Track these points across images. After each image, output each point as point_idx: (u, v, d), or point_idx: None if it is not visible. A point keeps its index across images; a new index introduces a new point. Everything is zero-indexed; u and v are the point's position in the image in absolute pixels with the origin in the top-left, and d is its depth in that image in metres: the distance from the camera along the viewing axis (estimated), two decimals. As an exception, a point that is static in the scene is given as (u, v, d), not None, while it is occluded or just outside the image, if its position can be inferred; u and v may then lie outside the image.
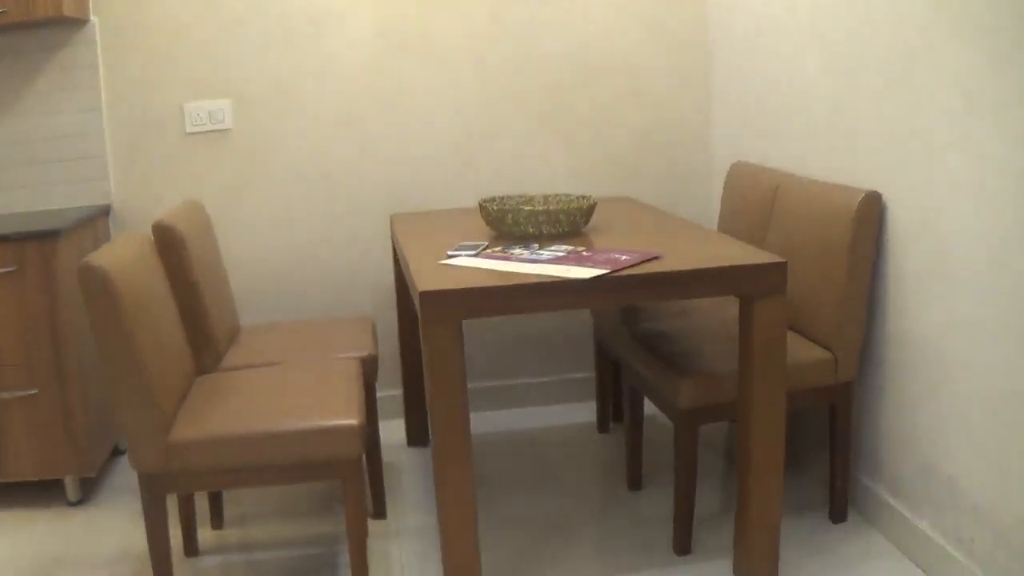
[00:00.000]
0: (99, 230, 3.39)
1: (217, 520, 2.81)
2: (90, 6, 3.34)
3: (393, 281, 3.45)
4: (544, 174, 3.55)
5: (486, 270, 2.24)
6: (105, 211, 3.41)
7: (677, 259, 2.25)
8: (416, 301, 2.13)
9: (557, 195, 2.89)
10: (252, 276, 3.48)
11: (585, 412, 3.58)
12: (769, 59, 3.06)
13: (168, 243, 2.60)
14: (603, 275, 2.12)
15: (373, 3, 3.38)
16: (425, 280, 2.16)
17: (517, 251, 2.41)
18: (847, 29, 2.57)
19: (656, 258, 2.26)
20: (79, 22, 3.32)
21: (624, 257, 2.26)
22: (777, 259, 2.21)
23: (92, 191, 3.43)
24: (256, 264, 3.48)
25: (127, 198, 3.43)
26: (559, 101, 3.51)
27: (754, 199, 2.99)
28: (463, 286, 2.09)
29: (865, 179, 2.52)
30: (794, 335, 2.63)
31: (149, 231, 2.58)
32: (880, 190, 2.44)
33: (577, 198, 2.79)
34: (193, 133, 3.41)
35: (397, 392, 3.51)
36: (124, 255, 2.23)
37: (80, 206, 3.39)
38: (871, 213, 2.43)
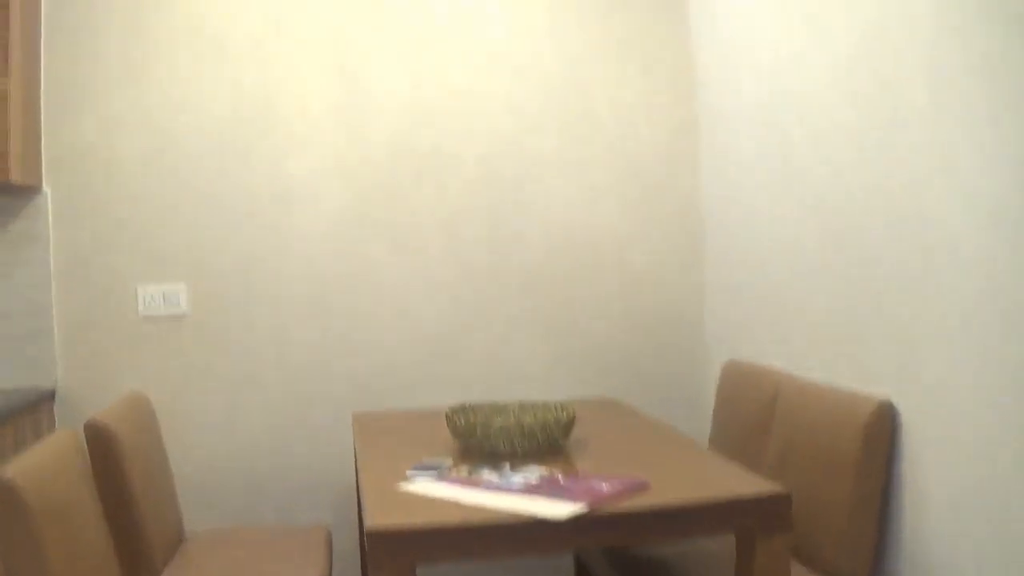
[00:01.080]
0: (42, 417, 3.11)
1: None
2: (43, 175, 3.15)
3: (355, 482, 3.14)
4: (522, 369, 3.29)
5: (447, 501, 1.95)
6: (50, 396, 3.13)
7: (666, 487, 1.98)
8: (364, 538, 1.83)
9: (534, 404, 2.63)
10: (202, 476, 3.17)
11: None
12: (767, 246, 2.87)
13: (101, 446, 2.38)
14: (581, 514, 1.84)
15: (343, 182, 3.21)
16: (377, 512, 1.88)
17: (485, 474, 2.12)
18: (854, 217, 2.37)
19: (642, 486, 1.98)
20: (31, 191, 3.13)
21: (606, 486, 1.98)
22: (781, 490, 1.93)
23: (37, 373, 3.17)
24: (207, 463, 3.17)
25: (74, 384, 3.16)
26: (539, 289, 3.30)
27: (751, 404, 2.74)
28: (418, 524, 1.81)
29: (875, 384, 2.27)
30: (795, 564, 2.32)
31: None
32: (892, 399, 2.18)
33: (556, 408, 2.54)
34: (147, 317, 3.17)
35: (357, 606, 3.15)
36: (45, 462, 2.00)
37: (24, 387, 3.12)
38: (883, 425, 2.17)
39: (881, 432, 2.17)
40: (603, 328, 3.33)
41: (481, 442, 2.31)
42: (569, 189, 3.31)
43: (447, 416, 2.40)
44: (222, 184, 3.19)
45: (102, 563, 2.14)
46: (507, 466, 2.19)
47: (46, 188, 3.17)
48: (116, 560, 2.27)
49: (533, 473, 2.12)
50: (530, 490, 1.99)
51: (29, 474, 1.88)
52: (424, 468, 2.19)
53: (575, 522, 1.83)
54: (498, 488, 2.01)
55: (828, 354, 2.53)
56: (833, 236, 2.48)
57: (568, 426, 2.36)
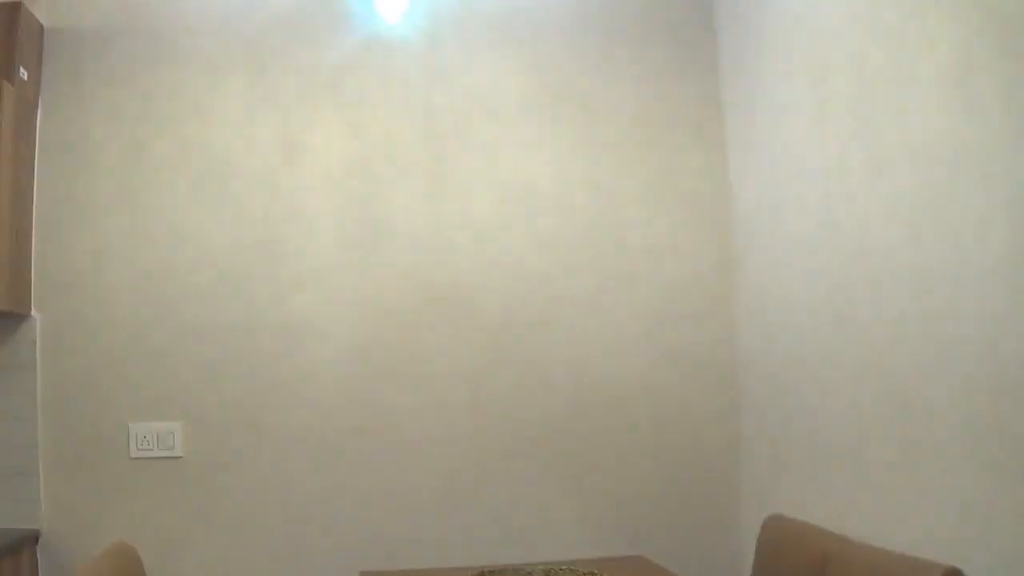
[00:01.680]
0: (23, 561, 2.87)
1: None
2: (32, 300, 2.91)
3: (359, 653, 2.88)
4: (546, 525, 3.00)
5: None
6: (33, 538, 2.89)
7: None
8: None
9: (560, 567, 2.43)
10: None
11: None
12: (813, 395, 2.56)
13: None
14: None
15: (354, 319, 2.93)
16: None
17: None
18: (917, 369, 2.09)
19: None
20: (18, 317, 2.90)
21: None
22: None
23: (21, 513, 2.91)
24: (196, 627, 2.93)
25: (59, 527, 2.91)
26: (565, 439, 3.00)
27: (796, 568, 2.42)
28: None
29: (940, 550, 1.97)
30: None
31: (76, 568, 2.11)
32: (960, 565, 1.87)
33: (583, 572, 2.39)
34: (138, 458, 2.92)
35: None
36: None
37: (6, 528, 2.89)
38: (951, 597, 1.86)
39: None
40: (633, 481, 3.03)
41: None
42: (599, 332, 3.01)
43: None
44: (222, 317, 2.93)
45: None
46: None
47: (35, 314, 2.93)
48: None
49: None
50: None
51: None
52: None
53: None
54: None
55: (884, 513, 2.24)
56: (892, 387, 2.19)
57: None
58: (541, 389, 2.98)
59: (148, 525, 2.90)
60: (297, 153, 2.95)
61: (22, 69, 2.85)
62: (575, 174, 3.02)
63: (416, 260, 2.95)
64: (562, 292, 2.99)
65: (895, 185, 2.16)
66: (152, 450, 2.92)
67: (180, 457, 2.92)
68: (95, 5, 3.05)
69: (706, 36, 3.11)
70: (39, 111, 3.00)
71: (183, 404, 2.92)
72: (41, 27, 3.02)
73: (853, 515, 2.39)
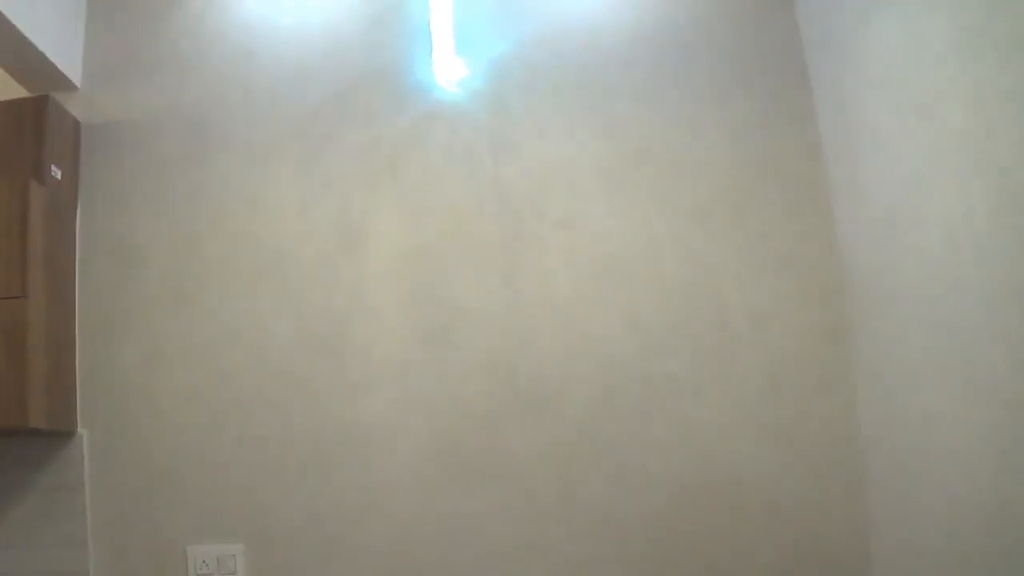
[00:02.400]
0: None
1: None
2: (78, 415, 2.68)
3: None
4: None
5: None
6: (85, 676, 2.61)
7: None
8: None
9: None
10: None
11: None
12: (949, 463, 2.19)
13: None
14: None
15: (426, 419, 2.65)
16: None
17: None
18: None
19: None
20: (63, 435, 2.68)
21: None
22: None
23: (71, 649, 2.65)
24: None
25: (113, 664, 2.63)
26: (668, 538, 2.65)
27: None
28: None
29: None
30: None
31: None
32: None
33: None
34: (198, 584, 2.63)
35: None
36: None
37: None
38: None
39: None
40: (749, 583, 2.67)
41: None
42: (700, 416, 2.68)
43: None
44: (283, 426, 2.66)
45: None
46: None
47: (81, 430, 2.70)
48: None
49: None
50: None
51: None
52: None
53: None
54: None
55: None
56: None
57: None
58: (639, 485, 2.65)
59: (211, 661, 2.61)
60: (357, 240, 2.70)
61: (54, 167, 2.66)
62: (663, 243, 2.72)
63: (494, 349, 2.66)
64: (657, 374, 2.67)
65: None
66: (212, 574, 2.64)
67: (243, 582, 2.63)
68: (134, 97, 2.88)
69: (798, 80, 2.81)
70: (78, 211, 2.81)
71: (245, 523, 2.64)
72: (76, 122, 2.84)
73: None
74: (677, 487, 2.65)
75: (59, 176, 2.69)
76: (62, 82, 2.86)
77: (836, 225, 2.73)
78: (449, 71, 2.73)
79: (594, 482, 2.63)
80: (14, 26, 2.52)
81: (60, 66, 2.81)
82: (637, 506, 2.64)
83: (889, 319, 2.48)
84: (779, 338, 2.70)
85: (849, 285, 2.69)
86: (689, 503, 2.65)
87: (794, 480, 2.68)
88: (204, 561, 2.64)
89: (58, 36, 2.80)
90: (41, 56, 2.71)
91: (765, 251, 2.73)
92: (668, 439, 2.65)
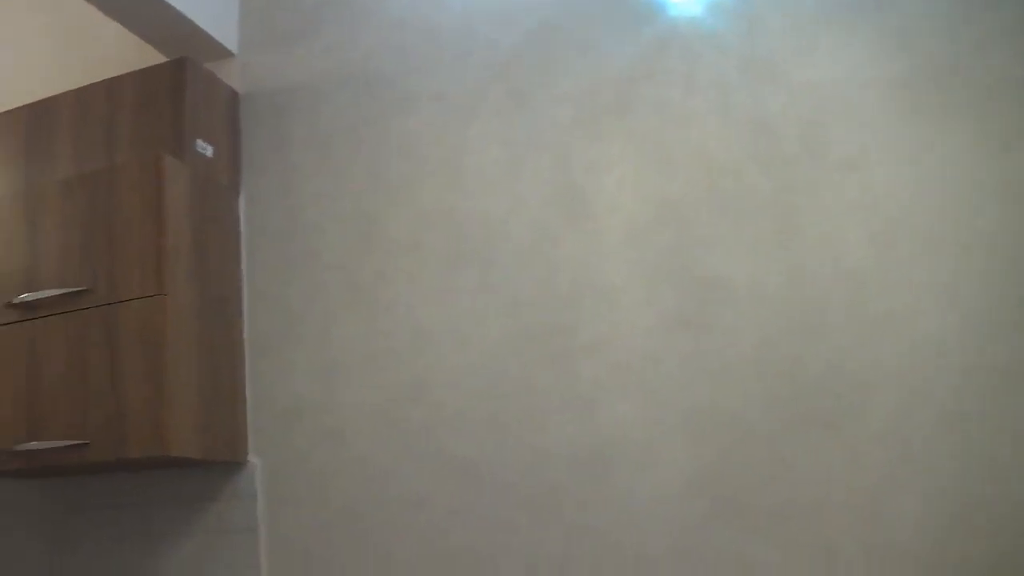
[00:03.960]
0: None
1: None
2: (248, 442, 2.21)
3: None
4: None
5: None
6: None
7: None
8: None
9: None
10: None
11: None
12: None
13: None
14: None
15: (687, 428, 1.99)
16: None
17: None
18: None
19: None
20: (231, 466, 2.22)
21: None
22: None
23: None
24: None
25: None
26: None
27: None
28: None
29: None
30: None
31: None
32: None
33: None
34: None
35: None
36: None
37: None
38: None
39: None
40: None
41: None
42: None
43: None
44: (494, 449, 2.09)
45: None
46: None
47: (253, 459, 2.22)
48: None
49: None
50: None
51: None
52: None
53: None
54: None
55: None
56: None
57: None
58: (978, 520, 1.92)
59: None
60: (581, 205, 2.11)
61: (201, 142, 2.19)
62: (985, 187, 2.00)
63: (769, 338, 1.99)
64: (989, 365, 1.94)
65: None
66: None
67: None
68: (298, 59, 2.41)
69: None
70: (241, 197, 2.34)
71: (451, 568, 2.07)
72: (232, 93, 2.39)
73: None
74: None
75: (209, 153, 2.23)
76: (216, 50, 2.44)
77: None
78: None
79: (911, 518, 1.90)
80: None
81: (212, 33, 2.38)
82: (981, 545, 1.90)
83: None
84: None
85: None
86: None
87: None
88: (403, 621, 2.09)
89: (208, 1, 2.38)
90: (190, 24, 2.29)
91: None
92: (1007, 455, 1.90)
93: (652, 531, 1.97)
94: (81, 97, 2.30)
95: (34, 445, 2.00)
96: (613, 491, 1.99)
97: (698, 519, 1.95)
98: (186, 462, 2.09)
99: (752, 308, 1.98)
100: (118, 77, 2.27)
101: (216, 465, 2.20)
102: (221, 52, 2.44)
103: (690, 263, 2.02)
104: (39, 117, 2.34)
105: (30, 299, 2.08)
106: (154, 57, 2.40)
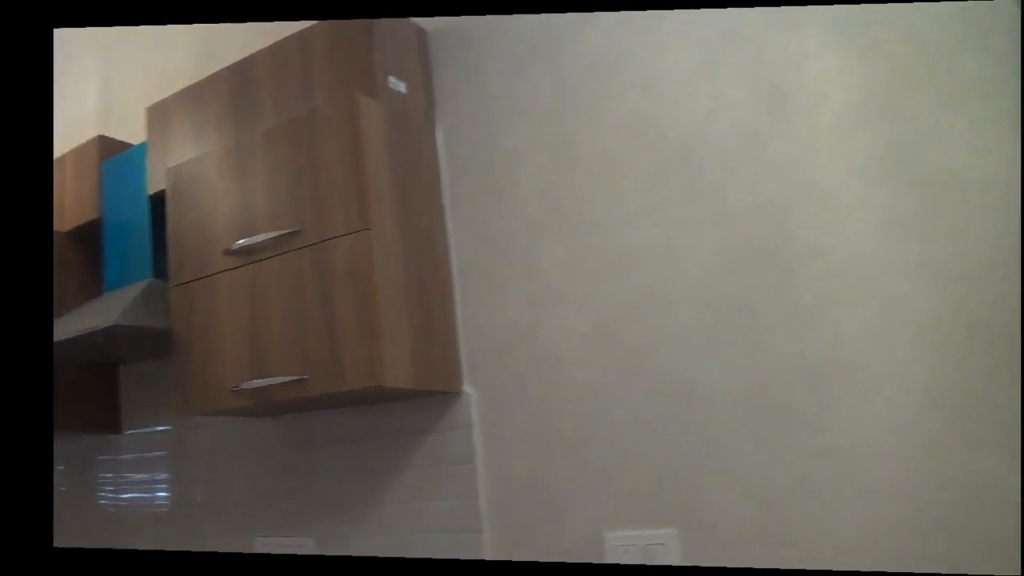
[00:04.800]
0: None
1: None
2: (463, 371, 2.21)
3: None
4: None
5: None
6: None
7: None
8: None
9: None
10: None
11: None
12: None
13: None
14: None
15: (921, 345, 1.81)
16: None
17: None
18: None
19: None
20: (446, 396, 2.25)
21: None
22: None
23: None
24: None
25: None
26: None
27: None
28: None
29: None
30: None
31: None
32: None
33: None
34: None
35: None
36: None
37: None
38: None
39: None
40: None
41: None
42: None
43: None
44: (720, 371, 1.98)
45: None
46: None
47: (467, 389, 2.23)
48: None
49: None
50: None
51: None
52: None
53: None
54: None
55: None
56: None
57: None
58: None
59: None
60: (791, 101, 1.94)
61: (393, 79, 2.19)
62: None
63: (1006, 238, 1.77)
64: None
65: None
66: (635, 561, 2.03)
67: (677, 574, 1.98)
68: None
69: None
70: (438, 131, 2.34)
71: (675, 504, 1.99)
72: (420, 31, 2.37)
73: None
74: None
75: (402, 89, 2.23)
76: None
77: None
78: None
79: None
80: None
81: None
82: None
83: None
84: None
85: None
86: None
87: None
88: (625, 549, 2.05)
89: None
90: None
91: None
92: None
93: (888, 453, 1.81)
94: (276, 52, 2.36)
95: (258, 382, 2.08)
96: (843, 411, 1.84)
97: (935, 438, 1.77)
98: (402, 394, 2.12)
99: (989, 203, 1.76)
100: (308, 27, 2.32)
101: (431, 397, 2.23)
102: (403, -8, 2.43)
103: (920, 153, 1.81)
104: (240, 75, 2.43)
105: (247, 244, 2.16)
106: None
